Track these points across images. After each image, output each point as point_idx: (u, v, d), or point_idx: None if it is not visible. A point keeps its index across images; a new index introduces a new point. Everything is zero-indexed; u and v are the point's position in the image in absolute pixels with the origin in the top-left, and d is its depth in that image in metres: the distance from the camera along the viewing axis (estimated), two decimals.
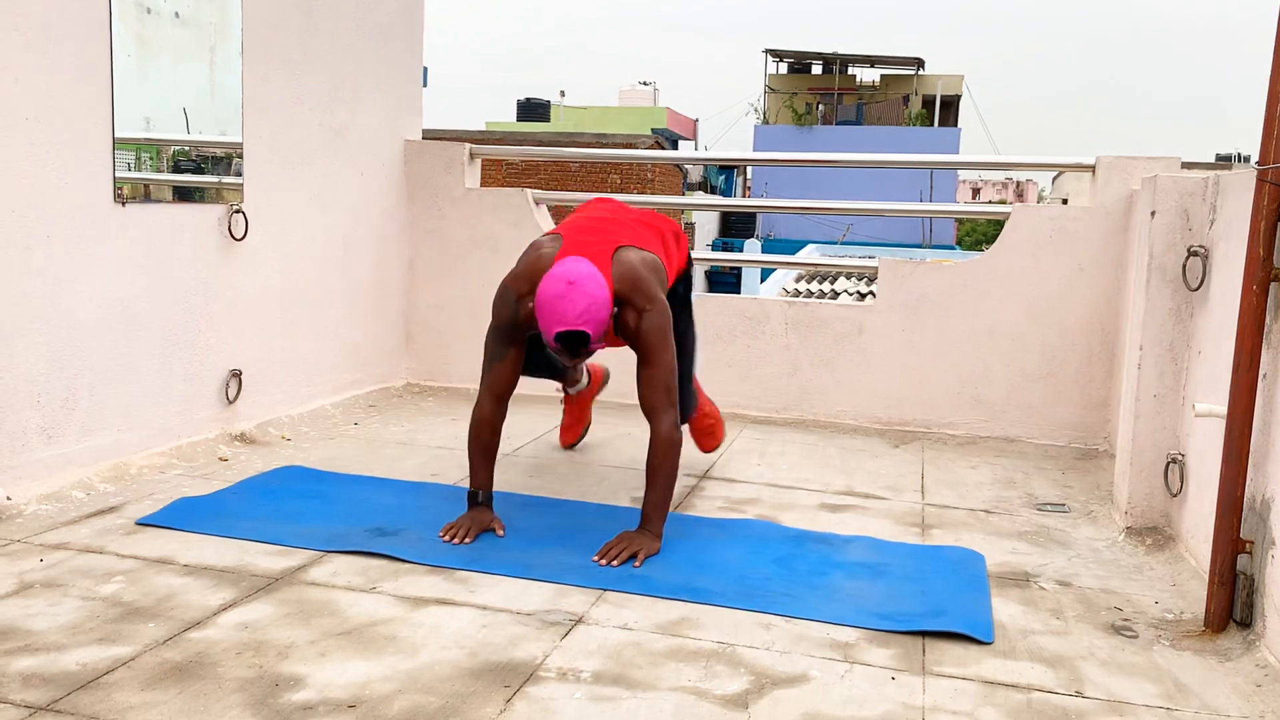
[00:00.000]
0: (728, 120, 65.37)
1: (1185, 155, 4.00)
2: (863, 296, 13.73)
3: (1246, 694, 2.17)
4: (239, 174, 3.82)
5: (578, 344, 2.70)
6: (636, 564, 2.73)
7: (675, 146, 31.65)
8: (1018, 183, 60.33)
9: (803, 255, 16.68)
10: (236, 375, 3.85)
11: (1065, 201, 29.30)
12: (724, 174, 32.29)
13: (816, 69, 35.90)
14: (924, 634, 2.41)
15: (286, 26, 4.02)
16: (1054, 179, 35.30)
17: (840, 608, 2.54)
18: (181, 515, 2.98)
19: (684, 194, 26.29)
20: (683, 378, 3.38)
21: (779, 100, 34.39)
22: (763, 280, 14.65)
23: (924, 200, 29.40)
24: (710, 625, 2.41)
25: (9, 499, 2.92)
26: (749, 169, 34.37)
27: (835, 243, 24.51)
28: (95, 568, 2.58)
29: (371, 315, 4.78)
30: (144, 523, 2.92)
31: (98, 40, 3.16)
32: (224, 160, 3.79)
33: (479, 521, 2.91)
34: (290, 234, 4.12)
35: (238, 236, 3.79)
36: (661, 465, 2.85)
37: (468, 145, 4.99)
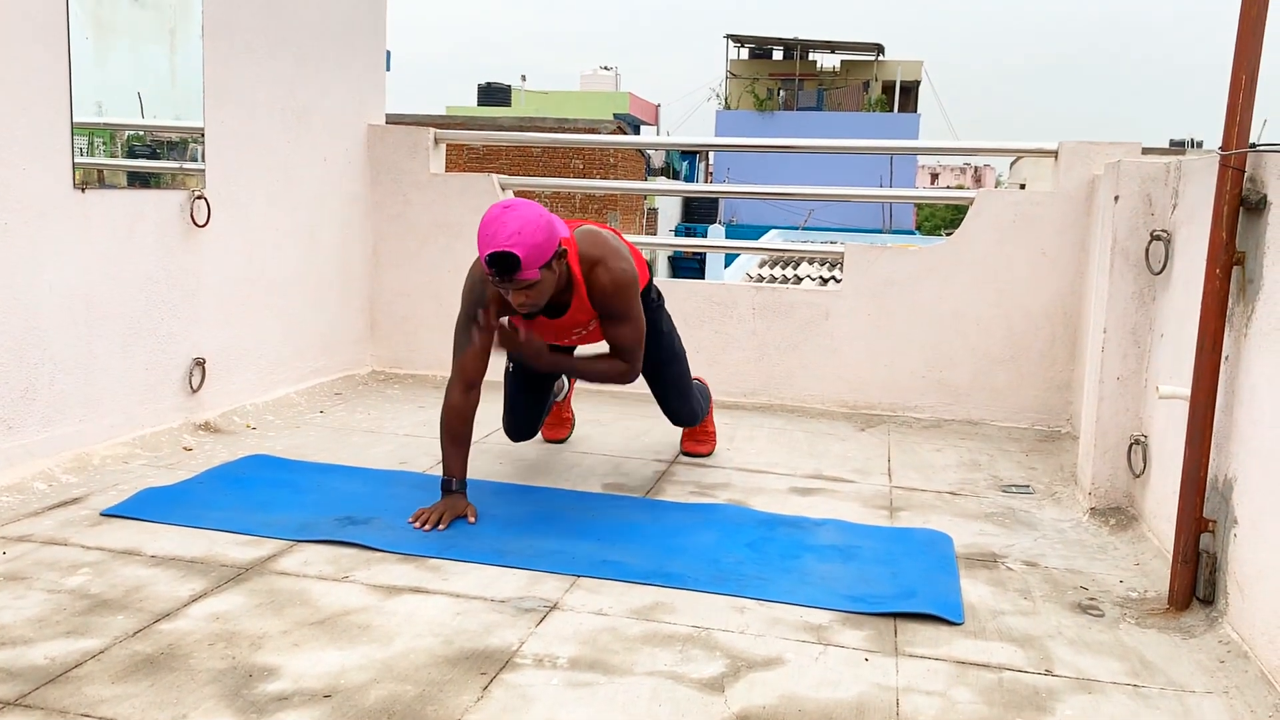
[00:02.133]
0: (690, 105, 65.20)
1: (1140, 140, 4.05)
2: (825, 281, 13.80)
3: (1210, 670, 2.21)
4: (200, 159, 3.76)
5: (507, 266, 2.62)
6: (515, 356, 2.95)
7: (638, 131, 31.57)
8: (975, 168, 60.87)
9: (766, 240, 16.74)
10: (200, 364, 3.80)
11: (1023, 186, 29.59)
12: (687, 159, 32.27)
13: (777, 54, 35.95)
14: (896, 615, 2.43)
15: (249, 8, 3.96)
16: (1012, 164, 35.60)
17: (812, 590, 2.56)
18: (147, 506, 2.94)
19: (646, 179, 26.23)
20: (682, 385, 3.42)
21: (740, 86, 34.42)
22: (726, 266, 14.67)
23: (885, 185, 29.57)
24: (684, 609, 2.42)
25: None
26: (711, 155, 34.39)
27: (797, 228, 24.59)
28: (60, 560, 2.54)
29: (336, 302, 4.73)
30: (109, 514, 2.88)
31: (55, 24, 3.10)
32: (185, 145, 3.73)
33: (452, 508, 2.90)
34: (253, 220, 4.07)
35: (200, 223, 3.73)
36: (605, 373, 3.07)
37: (432, 130, 4.95)
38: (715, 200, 29.94)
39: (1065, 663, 2.23)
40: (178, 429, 3.71)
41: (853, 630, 2.36)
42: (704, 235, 25.36)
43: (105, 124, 3.38)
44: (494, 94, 31.18)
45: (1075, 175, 4.30)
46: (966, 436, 4.33)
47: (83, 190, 3.24)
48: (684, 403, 3.49)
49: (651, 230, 26.70)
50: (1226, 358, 2.45)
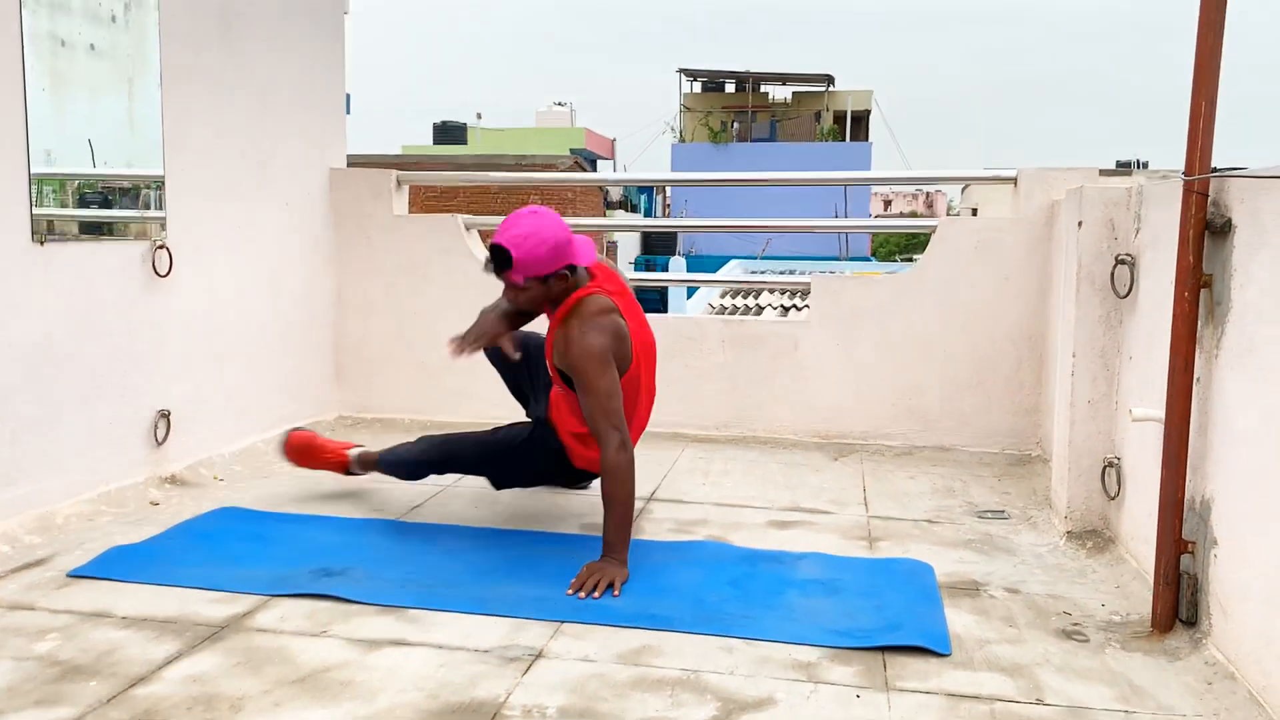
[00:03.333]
0: (645, 139, 65.85)
1: (1083, 161, 4.11)
2: (786, 310, 13.87)
3: (1199, 693, 2.21)
4: (161, 208, 3.71)
5: (499, 260, 2.87)
6: (615, 593, 2.70)
7: (594, 166, 31.71)
8: (927, 194, 61.75)
9: (727, 271, 16.82)
10: (165, 416, 3.73)
11: (975, 212, 30.03)
12: (644, 193, 32.44)
13: (730, 87, 36.32)
14: (884, 649, 2.42)
15: (207, 56, 3.93)
16: (963, 190, 36.13)
17: (798, 627, 2.54)
18: (115, 565, 2.87)
19: (605, 213, 26.32)
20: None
21: (695, 119, 34.72)
22: (689, 297, 14.70)
23: (840, 213, 29.88)
24: (672, 652, 2.39)
25: None
26: (668, 188, 34.60)
27: (755, 257, 24.76)
28: (26, 625, 2.46)
29: (300, 347, 4.68)
30: (76, 574, 2.80)
31: (10, 76, 3.05)
32: (145, 194, 3.68)
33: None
34: (216, 268, 4.01)
35: (162, 273, 3.68)
36: (615, 492, 2.83)
37: (394, 172, 4.92)
38: (674, 233, 30.08)
39: (1055, 690, 2.23)
40: (143, 483, 3.63)
41: (842, 666, 2.34)
42: (664, 267, 25.45)
43: (66, 174, 3.32)
44: (450, 132, 31.19)
45: (1035, 201, 4.36)
46: (939, 463, 4.34)
47: (41, 244, 3.18)
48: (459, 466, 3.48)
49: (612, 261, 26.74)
50: (1198, 380, 2.48)
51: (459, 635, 2.46)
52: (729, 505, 3.65)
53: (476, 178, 5.46)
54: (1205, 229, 2.41)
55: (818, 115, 35.30)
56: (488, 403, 4.81)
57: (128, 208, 3.62)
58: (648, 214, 29.71)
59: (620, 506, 2.83)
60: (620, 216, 28.21)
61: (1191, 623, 2.47)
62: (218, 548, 3.04)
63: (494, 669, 2.28)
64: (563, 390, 3.10)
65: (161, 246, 3.67)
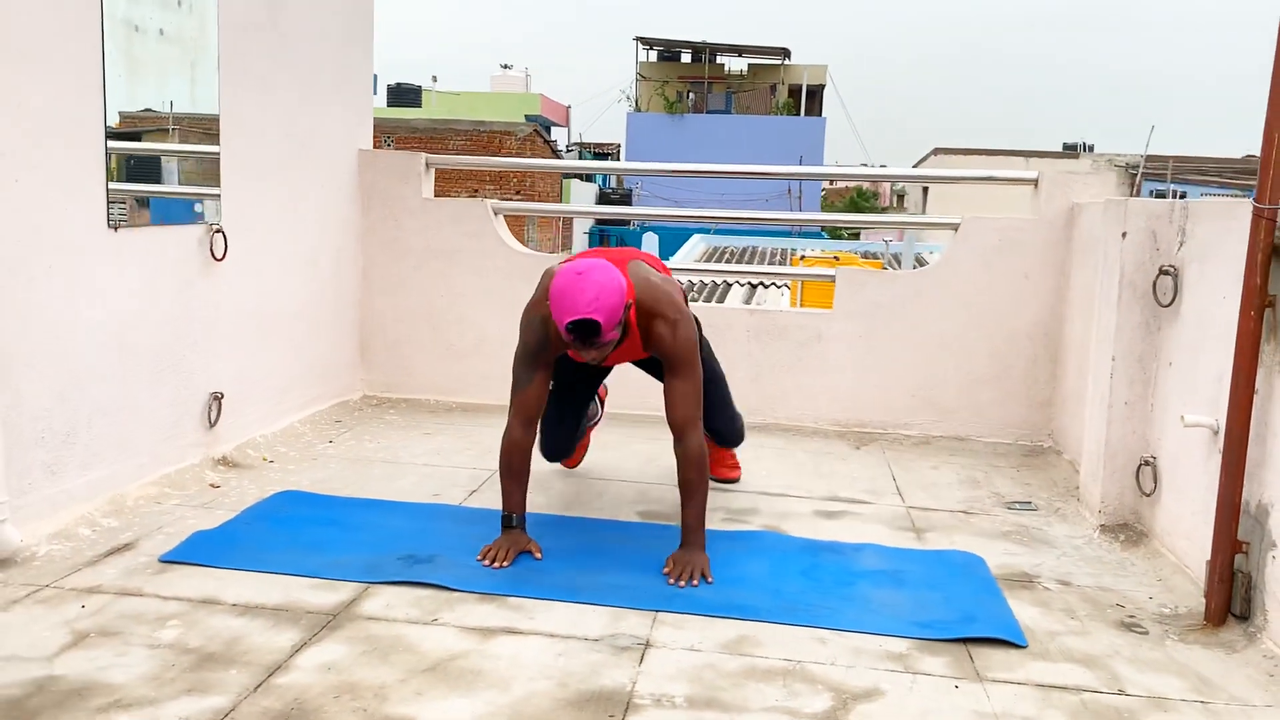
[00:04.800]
0: (600, 106, 65.40)
1: (1031, 144, 4.30)
2: (755, 288, 14.02)
3: (1262, 684, 2.41)
4: (217, 191, 3.73)
5: (589, 332, 2.72)
6: (709, 579, 2.84)
7: (549, 133, 31.56)
8: (872, 167, 62.30)
9: (690, 246, 16.93)
10: (217, 398, 3.77)
11: (925, 192, 30.46)
12: (599, 160, 32.39)
13: (686, 58, 36.27)
14: (965, 640, 2.58)
15: (259, 38, 3.93)
16: (914, 166, 36.53)
17: (880, 618, 2.69)
18: (202, 550, 2.93)
19: (560, 183, 26.23)
20: (725, 404, 3.50)
21: (651, 88, 34.65)
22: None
23: (793, 192, 30.14)
24: (769, 642, 2.53)
25: (21, 541, 2.82)
26: (622, 156, 34.55)
27: (710, 230, 24.91)
28: (144, 612, 2.52)
29: (330, 328, 4.71)
30: (167, 560, 2.86)
31: (91, 63, 3.05)
32: (203, 177, 3.69)
33: (516, 544, 2.95)
34: (262, 250, 4.04)
35: (218, 257, 3.70)
36: (699, 482, 2.96)
37: (424, 155, 4.96)
38: (629, 203, 30.09)
39: (1133, 681, 2.40)
40: (199, 465, 3.67)
41: (931, 657, 2.49)
42: (618, 239, 25.52)
43: (136, 149, 3.34)
44: (404, 95, 30.80)
45: (1055, 204, 4.53)
46: (956, 453, 4.52)
47: (115, 230, 3.20)
48: (728, 423, 3.60)
49: (568, 234, 26.73)
50: (1257, 392, 2.66)
51: (565, 623, 2.57)
52: (772, 494, 3.79)
53: (504, 163, 5.52)
54: (1272, 253, 2.58)
55: (773, 88, 35.43)
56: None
57: (188, 192, 3.64)
58: (603, 185, 29.66)
59: (703, 495, 2.97)
60: (576, 187, 28.16)
61: (1244, 617, 2.67)
62: (298, 533, 3.11)
63: (610, 658, 2.40)
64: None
65: (218, 231, 3.69)
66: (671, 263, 13.49)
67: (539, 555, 2.96)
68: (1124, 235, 3.39)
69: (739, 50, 35.75)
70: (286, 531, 3.12)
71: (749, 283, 14.48)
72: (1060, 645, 2.59)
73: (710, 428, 3.57)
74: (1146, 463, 3.38)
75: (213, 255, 3.68)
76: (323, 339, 4.64)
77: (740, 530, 3.35)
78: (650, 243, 13.66)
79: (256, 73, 3.93)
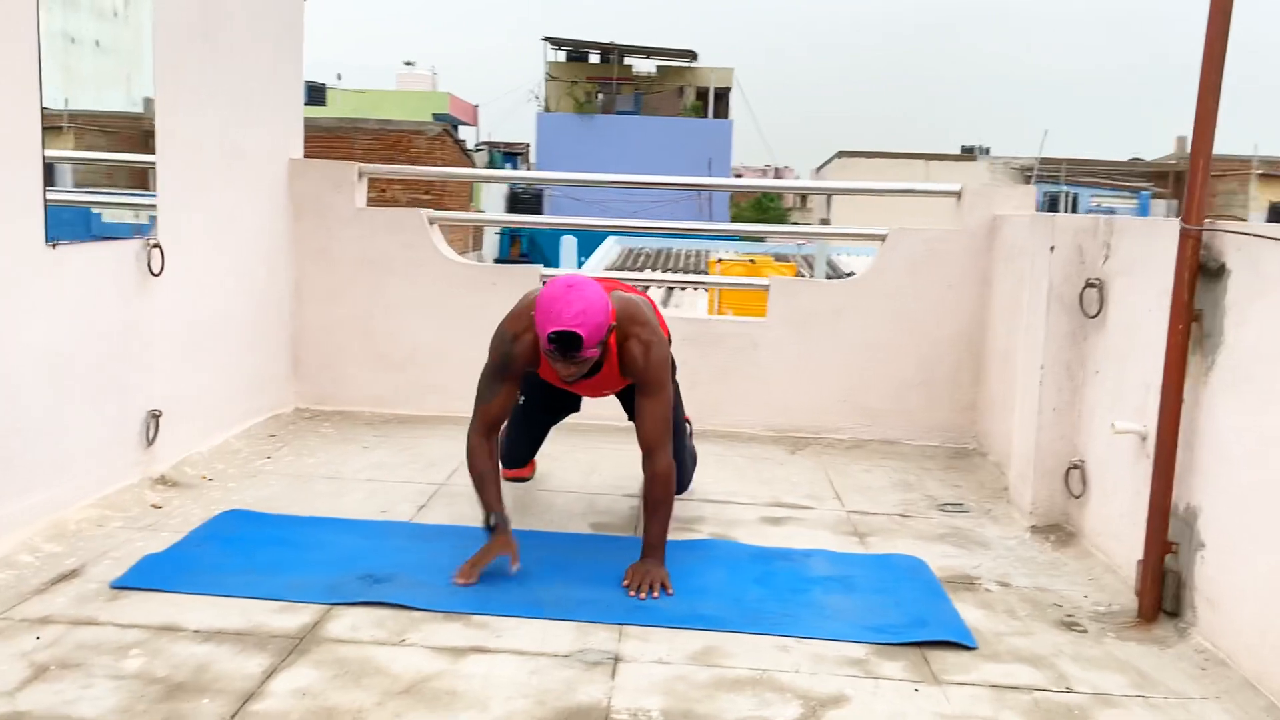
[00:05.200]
0: (509, 106, 64.97)
1: (926, 147, 4.50)
2: (670, 289, 14.14)
3: (1196, 677, 2.56)
4: (153, 205, 3.65)
5: (570, 345, 2.77)
6: (669, 592, 2.89)
7: (457, 131, 31.28)
8: (776, 169, 63.38)
9: (606, 248, 16.97)
10: (155, 416, 3.69)
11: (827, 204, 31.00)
12: (509, 161, 32.25)
13: (594, 58, 36.31)
14: (919, 644, 2.68)
15: (193, 48, 3.86)
16: (819, 169, 37.25)
17: (837, 624, 2.78)
18: (155, 574, 2.88)
19: (471, 183, 26.01)
20: (678, 431, 3.55)
21: (560, 88, 34.60)
22: (579, 267, 14.64)
23: (702, 195, 30.38)
24: (735, 652, 2.59)
25: None
26: (532, 155, 34.45)
27: (623, 232, 24.98)
28: (103, 641, 2.48)
29: (262, 341, 4.64)
30: (119, 586, 2.80)
31: (27, 76, 2.97)
32: (139, 191, 3.62)
33: (505, 547, 2.95)
34: (197, 263, 3.96)
35: (155, 272, 3.62)
36: (665, 500, 3.02)
37: (357, 165, 4.91)
38: (539, 203, 30.02)
39: (1079, 679, 2.53)
40: (137, 485, 3.59)
41: (889, 661, 2.59)
42: (529, 238, 25.44)
43: (72, 157, 3.26)
44: (309, 92, 30.17)
45: (977, 214, 4.70)
46: (887, 456, 4.66)
47: (54, 246, 3.12)
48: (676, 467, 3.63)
49: (478, 235, 26.53)
50: (1184, 401, 2.82)
51: (533, 640, 2.60)
52: (717, 501, 3.87)
53: (441, 173, 5.47)
54: (1199, 270, 2.73)
55: (681, 90, 35.68)
56: (450, 395, 4.90)
57: (124, 206, 3.56)
58: (514, 185, 29.49)
59: (667, 511, 3.03)
60: (485, 188, 27.96)
61: (1175, 614, 2.82)
62: (251, 554, 3.07)
63: (582, 673, 2.44)
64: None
65: (155, 245, 3.62)
66: (587, 266, 13.49)
67: (514, 568, 2.96)
68: (1052, 249, 3.54)
69: (647, 52, 35.93)
70: (239, 553, 3.08)
71: (668, 286, 14.61)
72: (1008, 645, 2.71)
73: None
74: (1075, 466, 3.54)
75: (150, 270, 3.60)
76: (256, 352, 4.57)
77: (693, 539, 3.42)
78: (569, 246, 13.67)
79: (191, 83, 3.86)
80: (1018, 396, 3.86)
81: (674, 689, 2.38)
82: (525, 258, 24.73)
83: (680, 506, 3.75)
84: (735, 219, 41.89)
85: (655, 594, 2.89)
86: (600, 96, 34.91)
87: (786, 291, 4.84)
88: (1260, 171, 26.86)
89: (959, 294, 4.74)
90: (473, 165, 29.23)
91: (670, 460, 3.05)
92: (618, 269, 15.30)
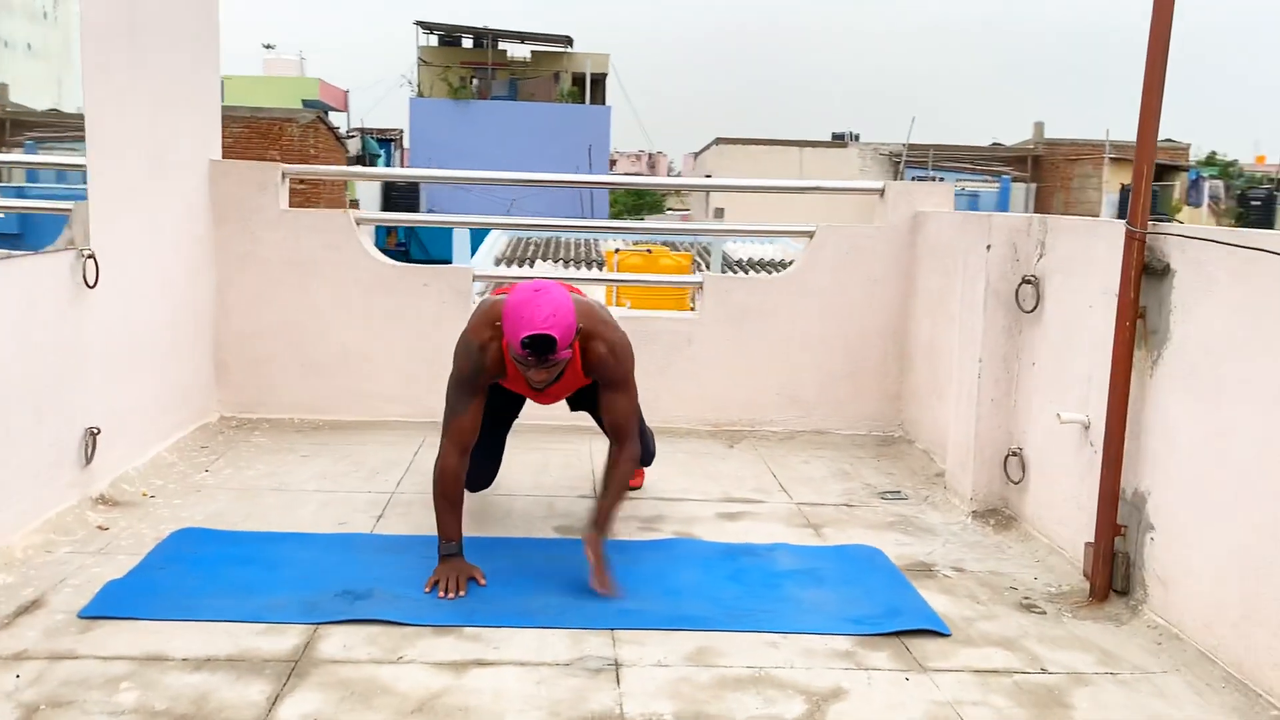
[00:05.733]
0: (380, 91, 63.45)
1: (799, 134, 4.69)
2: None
3: (1154, 652, 2.74)
4: (85, 214, 3.50)
5: (545, 348, 2.79)
6: (612, 591, 2.95)
7: (328, 117, 30.47)
8: (650, 155, 63.73)
9: (491, 241, 16.81)
10: (93, 433, 3.54)
11: (709, 176, 31.36)
12: (383, 148, 31.61)
13: (467, 43, 35.81)
14: (897, 634, 2.79)
15: (118, 47, 3.70)
16: (696, 155, 37.59)
17: (816, 618, 2.87)
18: (123, 602, 2.78)
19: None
20: (640, 418, 3.58)
21: (433, 73, 34.00)
22: (472, 255, 14.41)
23: (582, 172, 30.37)
24: (729, 651, 2.66)
25: None
26: (406, 143, 33.82)
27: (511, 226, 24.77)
28: (88, 676, 2.39)
29: (186, 349, 4.48)
30: (88, 615, 2.70)
31: None
32: (71, 200, 3.46)
33: (463, 571, 2.96)
34: (128, 273, 3.81)
35: (90, 284, 3.47)
36: (621, 471, 3.12)
37: (280, 166, 4.78)
38: (416, 193, 29.51)
39: (1050, 660, 2.68)
40: (78, 506, 3.44)
41: (873, 652, 2.69)
42: (405, 230, 25.00)
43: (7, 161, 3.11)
44: None
45: (900, 212, 4.87)
46: (820, 446, 4.80)
47: None
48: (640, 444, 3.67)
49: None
50: (1129, 393, 3.00)
51: (530, 650, 2.61)
52: (671, 499, 3.93)
53: (371, 172, 5.35)
54: (1144, 270, 2.91)
55: (556, 76, 35.49)
56: (381, 399, 4.86)
57: (58, 215, 3.40)
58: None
59: (619, 488, 3.13)
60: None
61: (1124, 593, 3.01)
62: (218, 576, 2.99)
63: (588, 681, 2.47)
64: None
65: (90, 256, 3.47)
66: (476, 259, 13.30)
67: (483, 581, 2.98)
68: (989, 247, 3.71)
69: (521, 37, 35.60)
70: (205, 575, 3.00)
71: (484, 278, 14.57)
72: (978, 630, 2.85)
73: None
74: (1013, 454, 3.72)
75: (85, 282, 3.46)
76: (181, 361, 4.42)
77: (658, 539, 3.47)
78: (461, 238, 13.51)
79: (118, 84, 3.70)
80: (953, 388, 4.03)
81: (680, 691, 2.43)
82: (402, 247, 24.33)
83: (638, 506, 3.82)
84: (613, 206, 42.01)
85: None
86: (475, 82, 34.45)
87: (719, 288, 4.92)
88: (1112, 155, 28.35)
89: (883, 288, 4.90)
90: (346, 153, 28.58)
91: (637, 447, 3.12)
92: (506, 261, 15.20)
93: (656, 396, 4.91)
